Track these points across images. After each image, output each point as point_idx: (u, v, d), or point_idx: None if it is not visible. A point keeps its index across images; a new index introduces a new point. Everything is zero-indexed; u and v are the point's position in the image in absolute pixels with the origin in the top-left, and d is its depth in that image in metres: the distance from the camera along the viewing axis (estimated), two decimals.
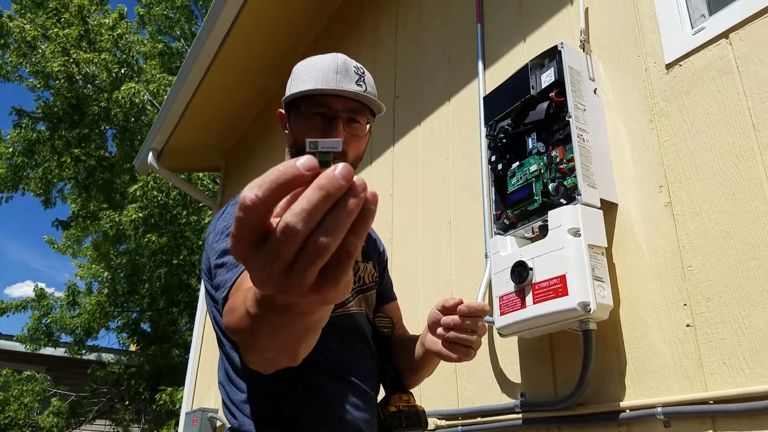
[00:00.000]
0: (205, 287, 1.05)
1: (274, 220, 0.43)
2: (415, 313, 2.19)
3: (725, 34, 1.35)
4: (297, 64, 1.11)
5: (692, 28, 1.44)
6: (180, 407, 5.66)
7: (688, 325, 1.31)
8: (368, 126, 1.09)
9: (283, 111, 1.12)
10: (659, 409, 1.29)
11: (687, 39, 1.44)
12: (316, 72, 1.05)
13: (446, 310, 1.02)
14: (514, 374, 1.70)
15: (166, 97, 4.70)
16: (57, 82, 9.39)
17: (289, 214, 0.41)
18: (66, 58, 8.91)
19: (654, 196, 1.46)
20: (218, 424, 3.73)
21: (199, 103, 4.15)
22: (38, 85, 9.87)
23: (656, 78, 1.51)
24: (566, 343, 1.54)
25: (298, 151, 1.08)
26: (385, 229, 2.50)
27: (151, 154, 4.67)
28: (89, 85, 9.72)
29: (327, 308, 0.54)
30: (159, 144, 4.63)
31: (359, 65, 1.10)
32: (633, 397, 1.37)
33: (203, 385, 4.19)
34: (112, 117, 9.58)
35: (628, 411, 1.36)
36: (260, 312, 0.57)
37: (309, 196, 0.41)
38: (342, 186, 0.41)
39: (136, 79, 9.47)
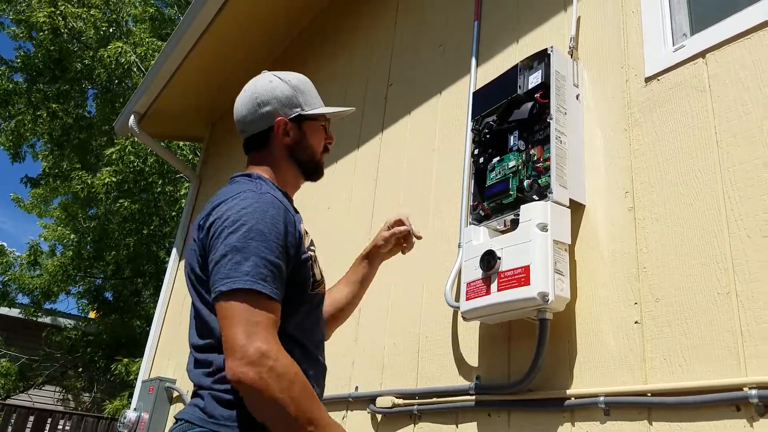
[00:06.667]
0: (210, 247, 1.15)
1: None
2: (386, 296, 2.25)
3: (702, 54, 1.44)
4: (292, 80, 1.37)
5: (673, 45, 1.53)
6: (135, 379, 5.62)
7: (636, 322, 1.39)
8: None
9: (286, 120, 1.33)
10: (601, 398, 1.37)
11: (667, 55, 1.52)
12: (315, 93, 1.41)
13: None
14: (473, 358, 1.78)
15: (154, 61, 4.66)
16: (41, 33, 9.17)
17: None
18: (52, 9, 8.70)
19: (619, 201, 1.54)
20: (174, 394, 3.74)
21: (189, 69, 4.12)
22: (20, 35, 9.62)
23: (635, 90, 1.59)
24: (523, 332, 1.62)
25: (314, 160, 1.39)
26: (365, 215, 2.55)
27: (132, 117, 4.61)
28: (74, 41, 9.52)
29: None
30: (142, 107, 4.57)
31: None
32: (579, 386, 1.46)
33: (163, 356, 4.19)
34: (95, 76, 9.39)
35: (573, 399, 1.44)
36: None
37: None
38: None
39: (124, 39, 9.31)
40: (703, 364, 1.25)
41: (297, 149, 1.36)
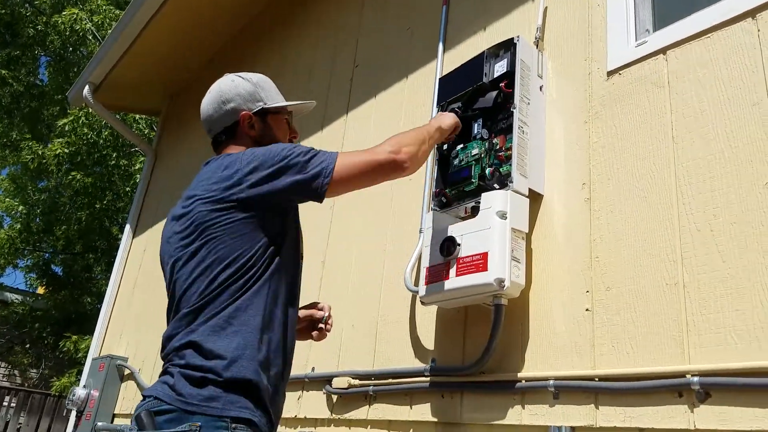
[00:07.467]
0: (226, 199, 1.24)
1: None
2: (346, 278, 2.25)
3: (663, 50, 1.48)
4: (253, 78, 1.45)
5: (636, 40, 1.56)
6: (84, 356, 5.47)
7: (587, 310, 1.44)
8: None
9: (250, 113, 1.41)
10: (551, 382, 1.41)
11: (630, 50, 1.55)
12: (276, 90, 1.49)
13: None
14: (429, 342, 1.80)
15: (111, 30, 4.46)
16: None
17: None
18: None
19: (576, 192, 1.57)
20: (126, 372, 3.67)
21: (148, 40, 3.98)
22: None
23: (597, 83, 1.62)
24: (479, 317, 1.65)
25: None
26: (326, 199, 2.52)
27: (87, 87, 4.43)
28: (27, 5, 9.07)
29: None
30: (97, 77, 4.40)
31: None
32: (530, 370, 1.50)
33: (114, 334, 4.09)
34: (48, 43, 8.99)
35: (524, 381, 1.48)
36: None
37: None
38: None
39: (80, 6, 8.91)
40: (649, 351, 1.29)
41: (263, 142, 1.40)
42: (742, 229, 1.22)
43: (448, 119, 1.64)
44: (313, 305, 1.51)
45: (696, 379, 1.18)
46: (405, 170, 1.36)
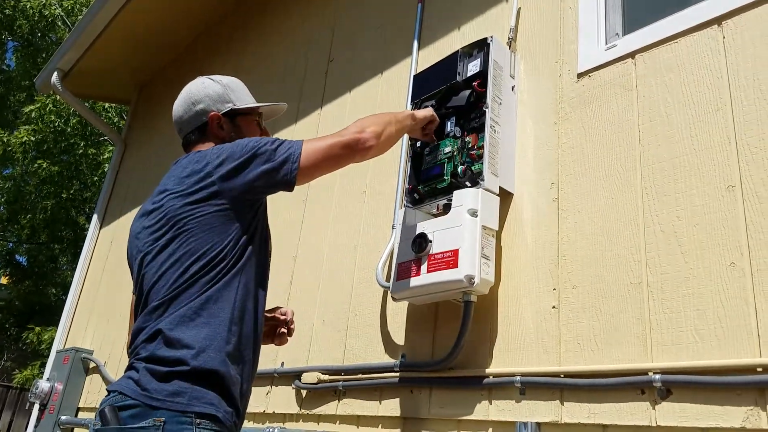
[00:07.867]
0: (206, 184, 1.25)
1: None
2: (318, 273, 2.24)
3: (632, 54, 1.51)
4: (223, 80, 1.48)
5: (606, 43, 1.59)
6: (47, 348, 5.34)
7: (553, 307, 1.46)
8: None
9: (219, 114, 1.42)
10: (518, 378, 1.44)
11: (600, 53, 1.58)
12: (247, 91, 1.51)
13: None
14: (399, 337, 1.81)
15: (81, 16, 4.36)
16: None
17: None
18: None
19: (545, 191, 1.60)
20: (91, 365, 3.60)
21: (119, 28, 3.90)
22: None
23: (567, 84, 1.65)
24: (449, 313, 1.66)
25: None
26: (300, 191, 2.52)
27: (56, 74, 4.33)
28: None
29: None
30: (66, 64, 4.30)
31: None
32: (497, 366, 1.52)
33: (80, 326, 4.01)
34: (15, 27, 8.73)
35: (491, 377, 1.50)
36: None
37: None
38: None
39: None
40: (614, 349, 1.32)
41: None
42: (705, 231, 1.26)
43: (424, 110, 1.68)
44: (275, 310, 1.50)
45: (658, 376, 1.21)
46: (369, 149, 1.36)
